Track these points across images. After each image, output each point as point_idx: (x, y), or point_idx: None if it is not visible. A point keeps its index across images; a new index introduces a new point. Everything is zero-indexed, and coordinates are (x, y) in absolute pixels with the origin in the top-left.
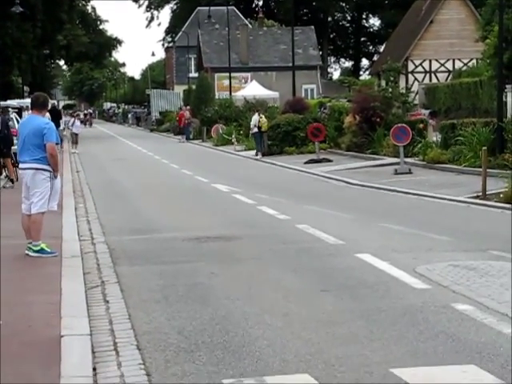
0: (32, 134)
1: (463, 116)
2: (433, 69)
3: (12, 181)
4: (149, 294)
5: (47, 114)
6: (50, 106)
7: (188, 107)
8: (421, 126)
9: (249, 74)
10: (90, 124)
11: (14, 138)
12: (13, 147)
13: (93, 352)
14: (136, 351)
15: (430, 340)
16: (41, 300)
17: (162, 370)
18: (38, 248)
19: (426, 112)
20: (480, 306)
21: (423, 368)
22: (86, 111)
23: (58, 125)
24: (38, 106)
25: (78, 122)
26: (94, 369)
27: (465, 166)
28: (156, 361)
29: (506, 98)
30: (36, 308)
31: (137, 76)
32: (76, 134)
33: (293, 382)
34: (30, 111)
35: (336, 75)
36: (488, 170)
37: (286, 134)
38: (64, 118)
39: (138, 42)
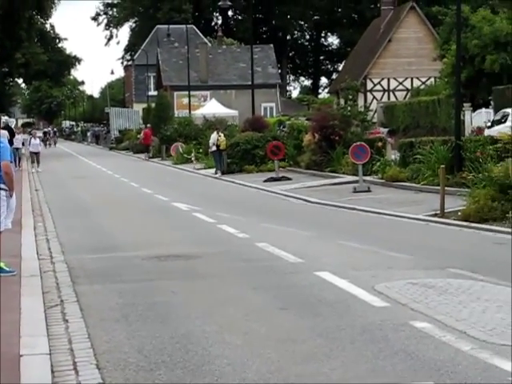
0: None
1: (421, 134)
2: (391, 87)
3: None
4: (108, 312)
5: (4, 132)
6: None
7: (148, 125)
8: (379, 144)
9: (208, 93)
10: (55, 143)
11: None
12: None
13: (52, 371)
14: (96, 370)
15: (389, 358)
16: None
17: None
18: None
19: (385, 130)
20: (438, 323)
21: None
22: (45, 129)
23: (11, 143)
24: None
25: (35, 141)
26: None
27: (423, 184)
28: (116, 380)
29: (463, 116)
30: None
31: (96, 94)
32: (35, 153)
33: None
34: None
35: (295, 93)
36: (446, 188)
37: (246, 153)
38: (22, 137)
39: (97, 60)
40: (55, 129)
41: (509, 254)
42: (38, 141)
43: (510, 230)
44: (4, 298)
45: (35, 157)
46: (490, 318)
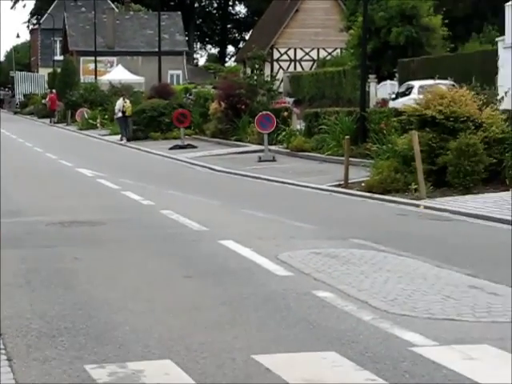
0: None
1: (327, 105)
2: (298, 57)
3: None
4: (11, 278)
5: None
6: None
7: (53, 91)
8: (285, 114)
9: (115, 59)
10: None
11: None
12: None
13: None
14: None
15: (292, 327)
16: None
17: (23, 356)
18: None
19: (291, 100)
20: (341, 293)
21: (284, 354)
22: None
23: None
24: None
25: None
26: None
27: (328, 155)
28: (17, 346)
29: (368, 87)
30: None
31: (1, 58)
32: None
33: (155, 367)
34: None
35: (202, 61)
36: (350, 159)
37: (152, 120)
38: None
39: (3, 23)
40: None
41: (410, 226)
42: None
43: (411, 201)
44: None
45: None
46: (392, 289)
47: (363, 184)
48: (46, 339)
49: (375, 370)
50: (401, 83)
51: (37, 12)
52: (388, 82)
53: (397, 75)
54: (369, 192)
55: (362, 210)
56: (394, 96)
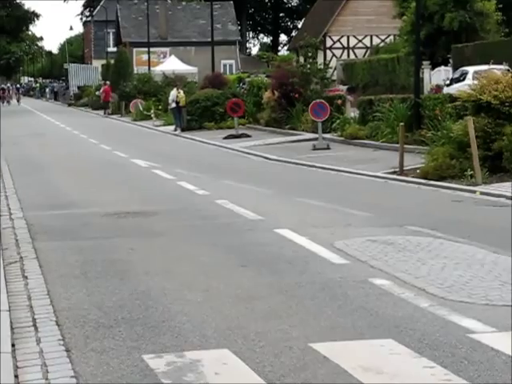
0: None
1: (380, 92)
2: (351, 45)
3: None
4: (68, 269)
5: None
6: None
7: (107, 82)
8: (339, 101)
9: (168, 49)
10: (18, 100)
11: None
12: None
13: (12, 328)
14: (55, 327)
15: (349, 315)
16: None
17: (81, 346)
18: None
19: (344, 88)
20: (397, 280)
21: (341, 342)
22: (3, 86)
23: None
24: None
25: None
26: (13, 345)
27: (382, 142)
28: (75, 337)
29: (422, 74)
30: None
31: (55, 50)
32: None
33: (213, 357)
34: None
35: (255, 51)
36: (405, 146)
37: (205, 110)
38: None
39: (56, 16)
40: (18, 85)
41: (466, 212)
42: None
43: (467, 187)
44: None
45: None
46: (449, 275)
47: (418, 171)
48: (104, 330)
49: (433, 356)
50: (455, 69)
51: (89, 4)
52: (442, 68)
53: (451, 61)
54: (424, 179)
55: (418, 196)
56: (448, 82)
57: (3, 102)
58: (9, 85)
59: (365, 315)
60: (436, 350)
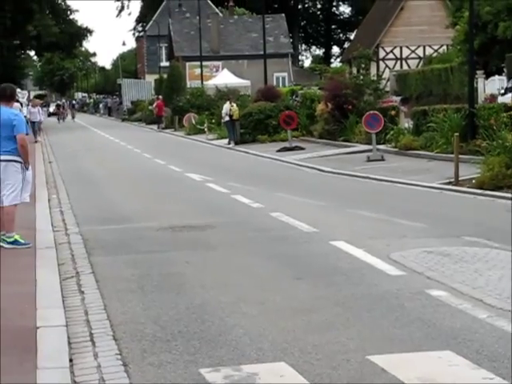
0: (2, 125)
1: (434, 102)
2: (404, 55)
3: None
4: (124, 283)
5: (17, 105)
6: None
7: (160, 97)
8: (392, 112)
9: (220, 63)
10: (73, 117)
11: None
12: None
13: (69, 343)
14: (112, 342)
15: (406, 326)
16: (16, 291)
17: (138, 360)
18: (12, 239)
19: (398, 99)
20: (454, 291)
21: (399, 354)
22: (58, 102)
23: None
24: (6, 97)
25: (33, 109)
26: (71, 360)
27: (437, 153)
28: (132, 351)
29: (476, 83)
30: (11, 299)
31: (108, 66)
32: (33, 122)
33: (270, 370)
34: None
35: (307, 63)
36: (460, 156)
37: (259, 122)
38: (39, 109)
39: (109, 32)
40: (73, 101)
41: None
42: (36, 109)
43: None
44: (20, 271)
45: (36, 126)
46: (506, 286)
47: (474, 181)
48: (161, 344)
49: (492, 368)
50: (509, 78)
51: (142, 19)
52: (496, 77)
53: (505, 70)
54: (480, 189)
55: (474, 207)
56: (503, 91)
57: (59, 120)
58: (63, 101)
59: (422, 327)
60: (495, 361)
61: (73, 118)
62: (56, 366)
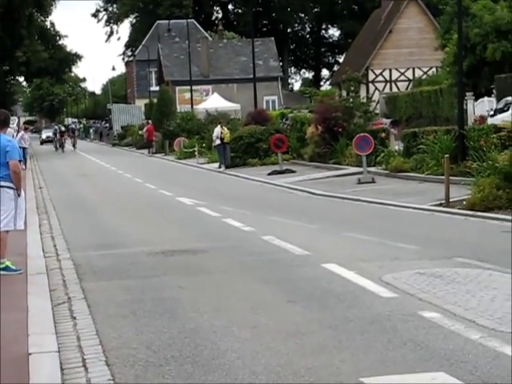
0: None
1: (424, 124)
2: (393, 78)
3: None
4: (116, 309)
5: (10, 130)
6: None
7: (150, 121)
8: (383, 135)
9: (210, 87)
10: (73, 145)
11: None
12: None
13: (61, 369)
14: (105, 367)
15: (399, 348)
16: (7, 318)
17: None
18: (3, 266)
19: (388, 121)
20: (447, 313)
21: (393, 376)
22: (56, 127)
23: None
24: (0, 123)
25: (26, 135)
26: None
27: (427, 174)
28: (125, 376)
29: (466, 105)
30: (3, 326)
31: (98, 91)
32: (23, 149)
33: None
34: None
35: (297, 86)
36: (451, 178)
37: (249, 146)
38: (29, 136)
39: (98, 57)
40: (73, 126)
41: None
42: (27, 135)
43: None
44: (11, 297)
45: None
46: (499, 307)
47: (465, 202)
48: (154, 368)
49: None
50: (499, 99)
51: (131, 44)
52: (486, 98)
53: (494, 91)
54: (471, 210)
55: (465, 228)
56: (492, 113)
57: (56, 149)
58: (60, 125)
59: (415, 348)
60: (488, 382)
61: (74, 146)
62: None
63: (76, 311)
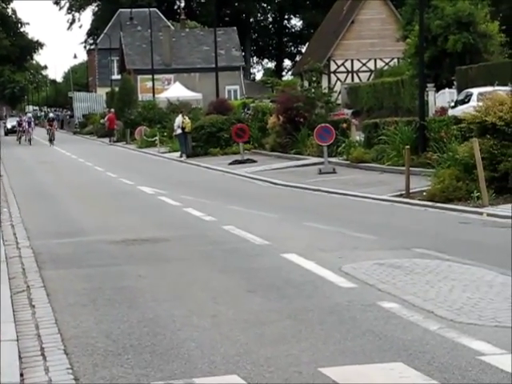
0: None
1: (385, 115)
2: (355, 68)
3: None
4: (76, 297)
5: None
6: None
7: (112, 110)
8: (344, 125)
9: (172, 76)
10: (50, 139)
11: None
12: None
13: (20, 357)
14: (63, 356)
15: (358, 338)
16: None
17: (90, 375)
18: None
19: (349, 112)
20: (406, 303)
21: (351, 367)
22: (21, 116)
23: None
24: None
25: None
26: (22, 374)
27: (388, 165)
28: (84, 365)
29: (427, 96)
30: None
31: (59, 79)
32: None
33: (222, 383)
34: None
35: (259, 76)
36: (411, 169)
37: (210, 135)
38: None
39: (60, 45)
40: (30, 115)
41: (474, 234)
42: None
43: (474, 209)
44: None
45: None
46: (457, 297)
47: (425, 193)
48: (112, 358)
49: (443, 379)
50: (459, 91)
51: (93, 32)
52: (446, 90)
53: (455, 83)
54: (431, 201)
55: (425, 219)
56: (453, 104)
57: (19, 140)
58: (23, 116)
59: (374, 339)
60: (446, 372)
61: (50, 141)
62: (7, 380)
63: (35, 299)
